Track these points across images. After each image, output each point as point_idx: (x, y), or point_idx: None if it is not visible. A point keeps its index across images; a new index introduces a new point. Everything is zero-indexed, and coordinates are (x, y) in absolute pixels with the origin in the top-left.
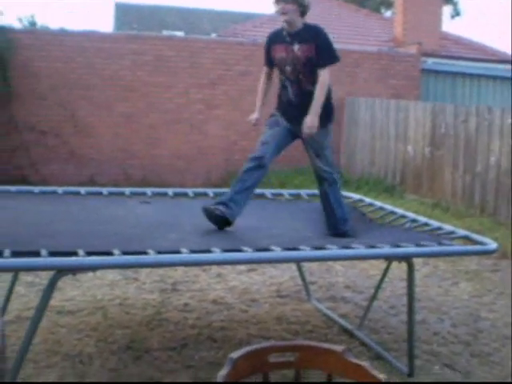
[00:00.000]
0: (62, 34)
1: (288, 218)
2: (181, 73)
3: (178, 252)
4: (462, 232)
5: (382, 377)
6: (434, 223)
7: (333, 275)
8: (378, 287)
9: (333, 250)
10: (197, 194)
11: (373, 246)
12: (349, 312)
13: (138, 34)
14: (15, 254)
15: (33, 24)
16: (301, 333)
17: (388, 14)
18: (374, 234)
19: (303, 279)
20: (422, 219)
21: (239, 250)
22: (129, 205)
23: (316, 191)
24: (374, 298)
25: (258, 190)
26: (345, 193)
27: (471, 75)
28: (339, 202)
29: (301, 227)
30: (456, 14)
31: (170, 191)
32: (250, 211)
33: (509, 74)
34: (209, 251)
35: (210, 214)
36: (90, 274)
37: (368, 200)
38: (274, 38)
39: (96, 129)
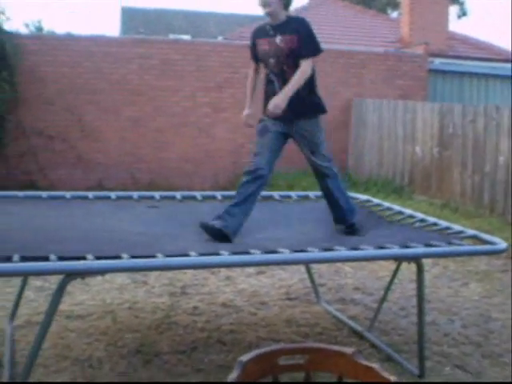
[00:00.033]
0: (69, 38)
1: (296, 219)
2: (187, 76)
3: (187, 255)
4: (470, 232)
5: (392, 378)
6: (443, 223)
7: (342, 277)
8: (388, 289)
9: (341, 251)
10: (205, 197)
11: (382, 247)
12: (358, 314)
13: (144, 38)
14: (24, 259)
15: (39, 29)
16: (310, 335)
17: (394, 14)
18: (383, 233)
19: (312, 281)
20: (431, 219)
21: (248, 253)
22: (137, 210)
23: None
24: (383, 299)
25: (265, 193)
26: (352, 194)
27: (479, 75)
28: (343, 194)
29: (309, 229)
30: (463, 13)
31: (178, 194)
32: (259, 214)
33: None
34: (217, 254)
35: (206, 228)
36: (99, 278)
37: (376, 200)
38: (258, 33)
39: (103, 133)
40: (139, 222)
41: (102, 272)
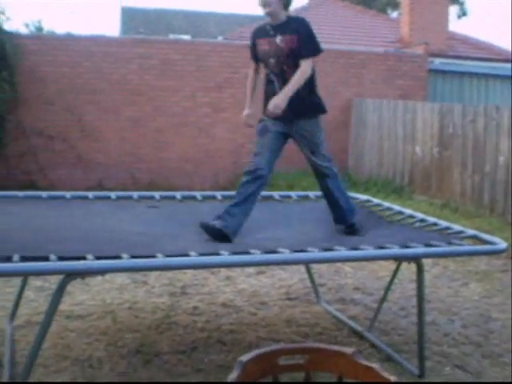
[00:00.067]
0: (69, 38)
1: (296, 219)
2: (187, 76)
3: (187, 255)
4: (470, 231)
5: (392, 378)
6: (443, 223)
7: (342, 277)
8: (388, 289)
9: (341, 251)
10: (205, 197)
11: (382, 247)
12: (358, 314)
13: (144, 38)
14: (24, 259)
15: (39, 29)
16: (310, 335)
17: (394, 14)
18: (383, 233)
19: (312, 281)
20: (431, 219)
21: (248, 253)
22: (137, 210)
23: None
24: (383, 299)
25: (265, 193)
26: (352, 194)
27: (479, 75)
28: (343, 194)
29: (309, 229)
30: (463, 13)
31: (178, 194)
32: (259, 214)
33: None
34: (217, 254)
35: (206, 228)
36: (99, 278)
37: (376, 200)
38: (258, 33)
39: (103, 133)
40: (139, 222)
41: (102, 272)
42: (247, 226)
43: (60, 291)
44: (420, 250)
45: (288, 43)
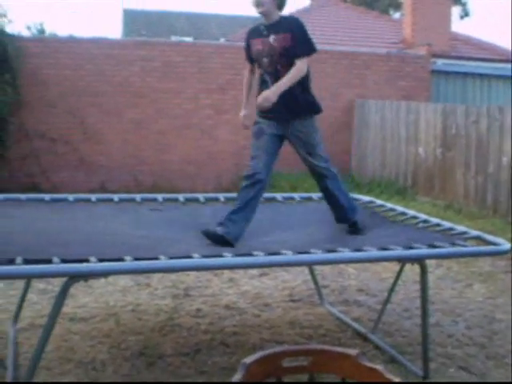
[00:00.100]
0: (71, 41)
1: (299, 221)
2: (189, 78)
3: (190, 257)
4: (474, 232)
5: (396, 380)
6: (446, 224)
7: (345, 278)
8: (392, 290)
9: (345, 252)
10: (208, 199)
11: (385, 248)
12: (362, 315)
13: (146, 40)
14: (27, 262)
15: (41, 32)
16: (314, 337)
17: (397, 15)
18: (386, 234)
19: (316, 283)
20: (434, 220)
21: (251, 254)
22: (139, 212)
23: None
24: (387, 301)
25: (268, 194)
26: (355, 195)
27: (481, 75)
28: (343, 193)
29: (312, 230)
30: (465, 14)
31: (181, 197)
32: (262, 215)
33: None
34: (220, 256)
35: (208, 235)
36: (102, 281)
37: (379, 202)
38: (252, 34)
39: (105, 135)
40: (141, 225)
41: (105, 274)
42: (250, 228)
43: (63, 294)
44: (423, 250)
45: (281, 42)
